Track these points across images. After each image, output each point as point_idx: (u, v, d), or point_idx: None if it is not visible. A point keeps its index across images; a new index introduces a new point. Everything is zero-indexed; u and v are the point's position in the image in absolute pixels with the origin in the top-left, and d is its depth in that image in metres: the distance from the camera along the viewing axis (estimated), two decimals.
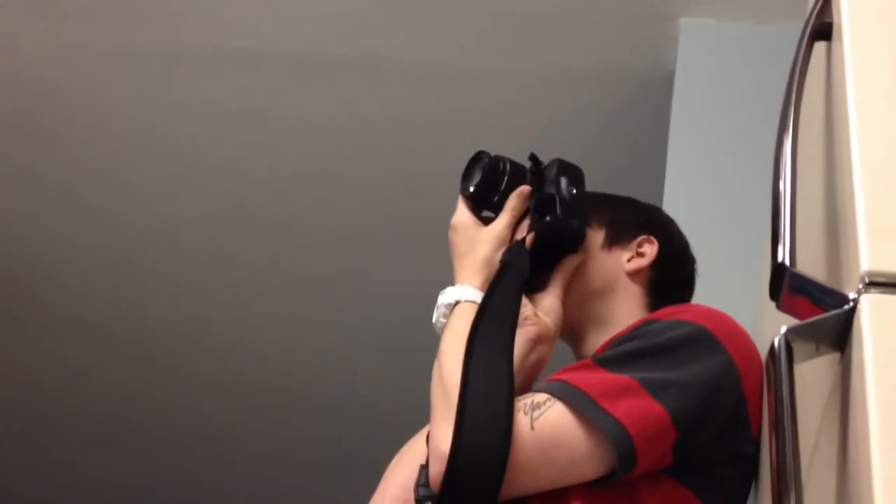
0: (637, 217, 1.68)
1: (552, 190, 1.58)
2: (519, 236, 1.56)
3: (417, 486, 1.43)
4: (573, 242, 1.59)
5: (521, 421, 1.35)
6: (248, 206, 3.43)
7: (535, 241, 1.55)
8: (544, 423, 1.36)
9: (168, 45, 3.01)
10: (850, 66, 1.09)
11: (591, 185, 1.62)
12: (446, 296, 1.51)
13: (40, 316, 3.88)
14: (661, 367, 1.39)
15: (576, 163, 1.63)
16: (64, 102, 3.20)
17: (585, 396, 1.36)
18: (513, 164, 1.61)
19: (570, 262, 1.59)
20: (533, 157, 1.62)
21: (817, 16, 1.22)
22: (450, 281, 1.55)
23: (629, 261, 1.63)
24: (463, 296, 1.50)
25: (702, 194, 2.53)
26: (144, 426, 4.24)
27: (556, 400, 1.37)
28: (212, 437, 4.23)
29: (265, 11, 2.92)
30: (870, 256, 0.95)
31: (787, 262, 1.01)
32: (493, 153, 1.62)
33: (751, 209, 2.32)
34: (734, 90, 2.64)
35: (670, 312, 1.50)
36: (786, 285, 1.01)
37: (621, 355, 1.42)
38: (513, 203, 1.57)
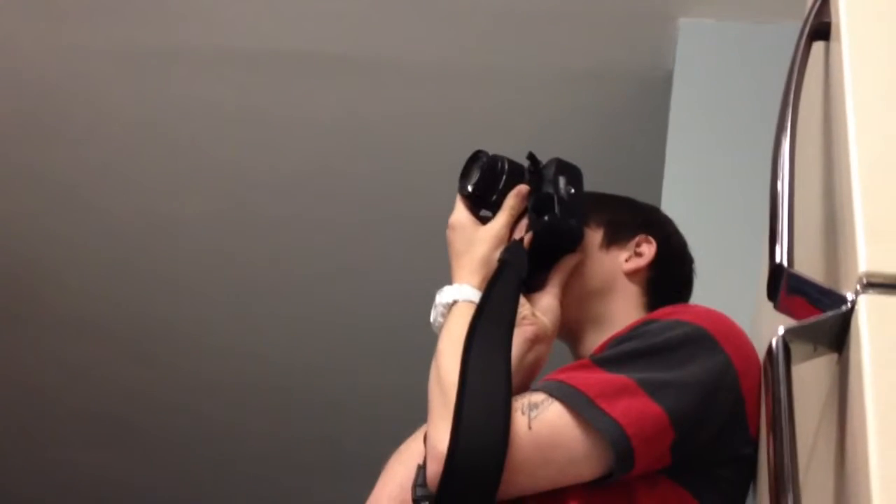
0: (635, 217, 1.68)
1: (550, 189, 1.58)
2: (517, 236, 1.56)
3: (415, 486, 1.43)
4: (571, 242, 1.59)
5: (519, 421, 1.35)
6: (248, 205, 3.43)
7: (533, 241, 1.55)
8: (542, 422, 1.35)
9: (168, 45, 3.01)
10: (849, 65, 1.09)
11: (589, 185, 1.62)
12: (444, 295, 1.51)
13: (40, 315, 3.88)
14: (659, 367, 1.39)
15: (574, 162, 1.63)
16: (64, 102, 3.20)
17: (583, 396, 1.36)
18: (511, 163, 1.60)
19: (569, 262, 1.59)
20: (531, 157, 1.61)
21: (816, 16, 1.22)
22: (450, 281, 1.54)
23: (627, 261, 1.63)
24: (461, 295, 1.49)
25: (700, 194, 2.53)
26: (144, 426, 4.24)
27: (553, 400, 1.37)
28: (212, 437, 4.23)
29: (265, 11, 2.92)
30: (868, 257, 0.95)
31: (785, 263, 1.01)
32: (491, 152, 1.61)
33: (749, 209, 2.32)
34: (733, 90, 2.64)
35: (668, 312, 1.50)
36: (783, 286, 1.01)
37: (619, 355, 1.42)
38: (511, 202, 1.57)
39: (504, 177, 1.59)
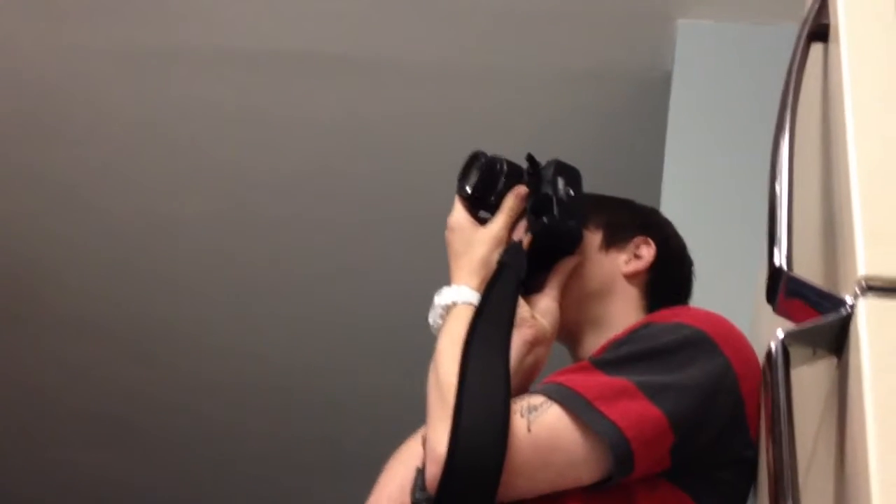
0: (634, 219, 1.67)
1: (549, 191, 1.57)
2: (516, 237, 1.55)
3: (414, 489, 1.42)
4: (570, 244, 1.59)
5: (518, 423, 1.35)
6: (248, 205, 3.43)
7: (532, 243, 1.54)
8: (541, 425, 1.35)
9: (168, 45, 3.01)
10: (847, 67, 1.09)
11: (587, 185, 1.61)
12: (443, 296, 1.50)
13: (40, 315, 3.88)
14: (659, 370, 1.39)
15: (573, 162, 1.62)
16: (64, 102, 3.20)
17: (582, 399, 1.36)
18: (510, 164, 1.60)
19: (567, 264, 1.58)
20: (530, 158, 1.61)
21: (814, 17, 1.22)
22: (449, 281, 1.54)
23: (626, 263, 1.62)
24: (459, 297, 1.49)
25: (699, 196, 2.53)
26: (144, 426, 4.24)
27: (552, 402, 1.37)
28: (212, 437, 4.23)
29: (265, 11, 2.92)
30: (867, 260, 0.95)
31: (784, 266, 1.01)
32: (490, 153, 1.61)
33: (748, 211, 2.30)
34: (731, 91, 2.64)
35: (668, 315, 1.49)
36: (782, 289, 1.01)
37: (618, 358, 1.42)
38: (510, 204, 1.56)
39: (503, 178, 1.58)
